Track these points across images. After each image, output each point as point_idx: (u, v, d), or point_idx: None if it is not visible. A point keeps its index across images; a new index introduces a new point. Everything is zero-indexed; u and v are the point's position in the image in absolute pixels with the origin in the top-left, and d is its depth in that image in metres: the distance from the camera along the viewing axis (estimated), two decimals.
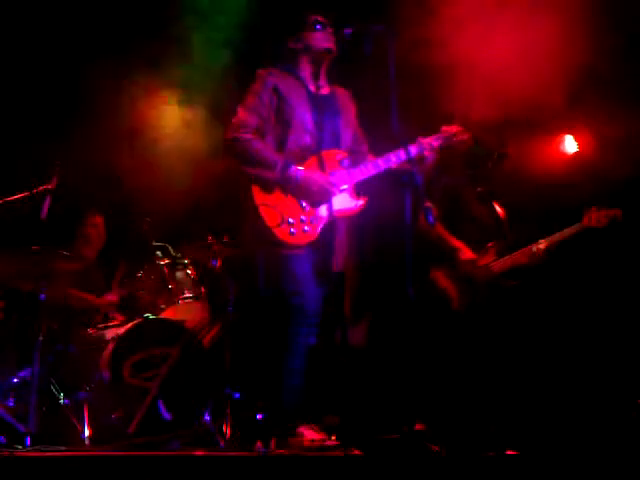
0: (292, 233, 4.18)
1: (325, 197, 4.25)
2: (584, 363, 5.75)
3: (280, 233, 4.16)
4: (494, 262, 5.18)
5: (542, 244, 5.12)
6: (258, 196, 4.18)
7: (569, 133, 6.13)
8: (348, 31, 4.29)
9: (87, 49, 6.06)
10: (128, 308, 5.60)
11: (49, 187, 4.98)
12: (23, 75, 6.04)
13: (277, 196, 4.21)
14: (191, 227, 6.04)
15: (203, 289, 5.65)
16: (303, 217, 4.22)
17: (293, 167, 4.20)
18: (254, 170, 4.20)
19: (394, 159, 4.34)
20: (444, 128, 4.55)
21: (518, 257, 5.18)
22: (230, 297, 5.30)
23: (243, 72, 4.63)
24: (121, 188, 6.29)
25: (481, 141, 5.16)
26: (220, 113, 5.75)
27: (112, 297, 5.66)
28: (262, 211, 4.16)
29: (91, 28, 6.06)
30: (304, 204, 4.24)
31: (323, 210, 4.26)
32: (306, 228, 4.22)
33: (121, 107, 6.17)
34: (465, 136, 4.57)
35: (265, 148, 4.25)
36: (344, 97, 4.58)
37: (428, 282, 5.19)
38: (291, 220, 4.19)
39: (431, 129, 4.59)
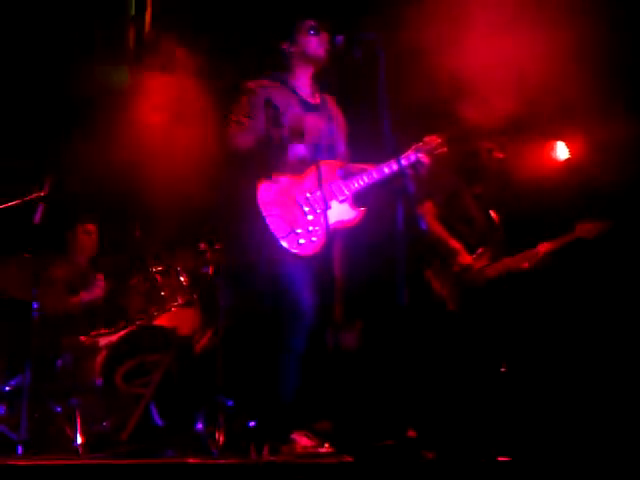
0: (300, 243, 4.20)
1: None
2: (577, 369, 5.77)
3: (289, 243, 4.17)
4: (488, 266, 5.21)
5: (541, 250, 5.16)
6: (265, 207, 4.18)
7: (561, 139, 6.15)
8: (339, 38, 4.31)
9: (79, 47, 6.02)
10: (118, 314, 5.60)
11: (42, 194, 4.97)
12: (13, 77, 6.01)
13: (284, 207, 4.21)
14: (183, 234, 6.03)
15: (195, 296, 5.65)
16: (310, 227, 4.24)
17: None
18: (258, 156, 4.18)
19: (387, 170, 4.36)
20: (427, 139, 4.56)
21: (514, 262, 5.22)
22: (222, 304, 5.30)
23: (236, 77, 4.62)
24: (114, 194, 6.28)
25: (468, 140, 5.19)
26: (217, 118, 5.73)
27: (95, 292, 5.62)
28: (270, 222, 4.16)
29: (78, 28, 6.03)
30: (309, 214, 4.25)
31: (328, 219, 4.28)
32: (314, 238, 4.23)
33: (115, 110, 6.14)
34: (444, 149, 4.58)
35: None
36: (332, 104, 4.60)
37: (423, 282, 5.21)
38: (299, 230, 4.20)
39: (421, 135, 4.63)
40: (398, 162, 4.33)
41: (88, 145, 6.19)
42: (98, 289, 5.66)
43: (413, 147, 4.52)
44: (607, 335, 5.78)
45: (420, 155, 4.47)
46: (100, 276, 5.69)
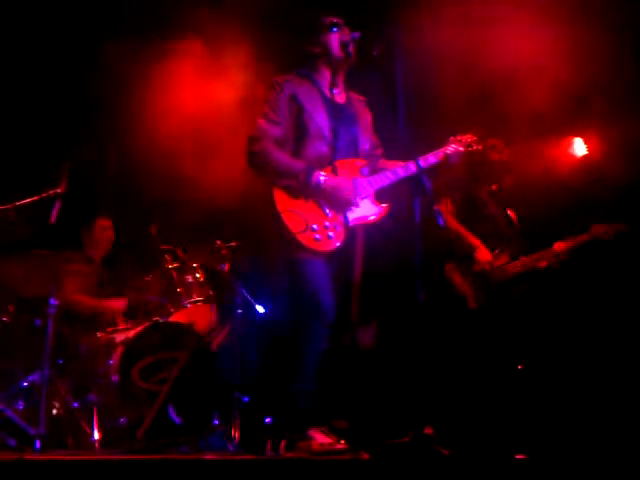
0: (317, 239, 4.18)
1: (347, 205, 4.26)
2: (593, 365, 5.74)
3: (305, 239, 4.16)
4: (508, 264, 5.20)
5: (558, 249, 5.15)
6: (281, 203, 4.18)
7: (578, 136, 6.12)
8: (357, 35, 4.31)
9: (98, 40, 6.01)
10: (136, 313, 5.61)
11: (59, 191, 4.98)
12: (31, 72, 6.02)
13: (300, 202, 4.21)
14: (200, 231, 6.04)
15: (211, 292, 5.66)
16: (327, 223, 4.23)
17: (316, 174, 4.20)
18: (277, 179, 4.21)
19: (412, 168, 4.32)
20: (459, 137, 4.55)
21: (532, 261, 5.21)
22: (238, 300, 5.30)
23: (262, 76, 4.62)
24: (130, 190, 6.30)
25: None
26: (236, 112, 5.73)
27: (119, 303, 5.66)
28: (286, 218, 4.15)
29: (100, 16, 6.01)
30: (327, 210, 4.25)
31: (346, 216, 4.28)
32: (330, 234, 4.22)
33: (131, 108, 6.13)
34: (479, 147, 4.59)
35: (287, 158, 4.26)
36: (360, 104, 4.58)
37: (443, 278, 5.21)
38: (315, 226, 4.19)
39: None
40: (425, 160, 4.33)
41: (106, 141, 6.21)
42: (121, 302, 5.68)
43: (449, 141, 4.53)
44: (623, 335, 5.76)
45: (455, 145, 4.48)
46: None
